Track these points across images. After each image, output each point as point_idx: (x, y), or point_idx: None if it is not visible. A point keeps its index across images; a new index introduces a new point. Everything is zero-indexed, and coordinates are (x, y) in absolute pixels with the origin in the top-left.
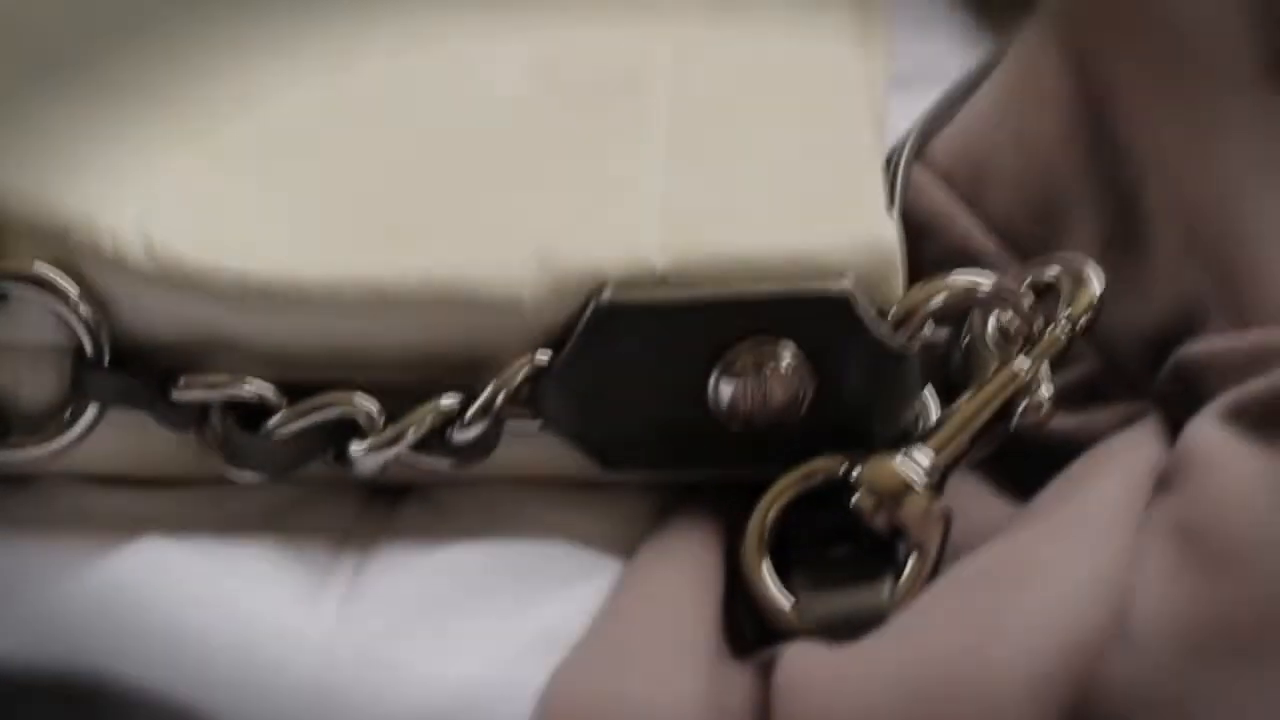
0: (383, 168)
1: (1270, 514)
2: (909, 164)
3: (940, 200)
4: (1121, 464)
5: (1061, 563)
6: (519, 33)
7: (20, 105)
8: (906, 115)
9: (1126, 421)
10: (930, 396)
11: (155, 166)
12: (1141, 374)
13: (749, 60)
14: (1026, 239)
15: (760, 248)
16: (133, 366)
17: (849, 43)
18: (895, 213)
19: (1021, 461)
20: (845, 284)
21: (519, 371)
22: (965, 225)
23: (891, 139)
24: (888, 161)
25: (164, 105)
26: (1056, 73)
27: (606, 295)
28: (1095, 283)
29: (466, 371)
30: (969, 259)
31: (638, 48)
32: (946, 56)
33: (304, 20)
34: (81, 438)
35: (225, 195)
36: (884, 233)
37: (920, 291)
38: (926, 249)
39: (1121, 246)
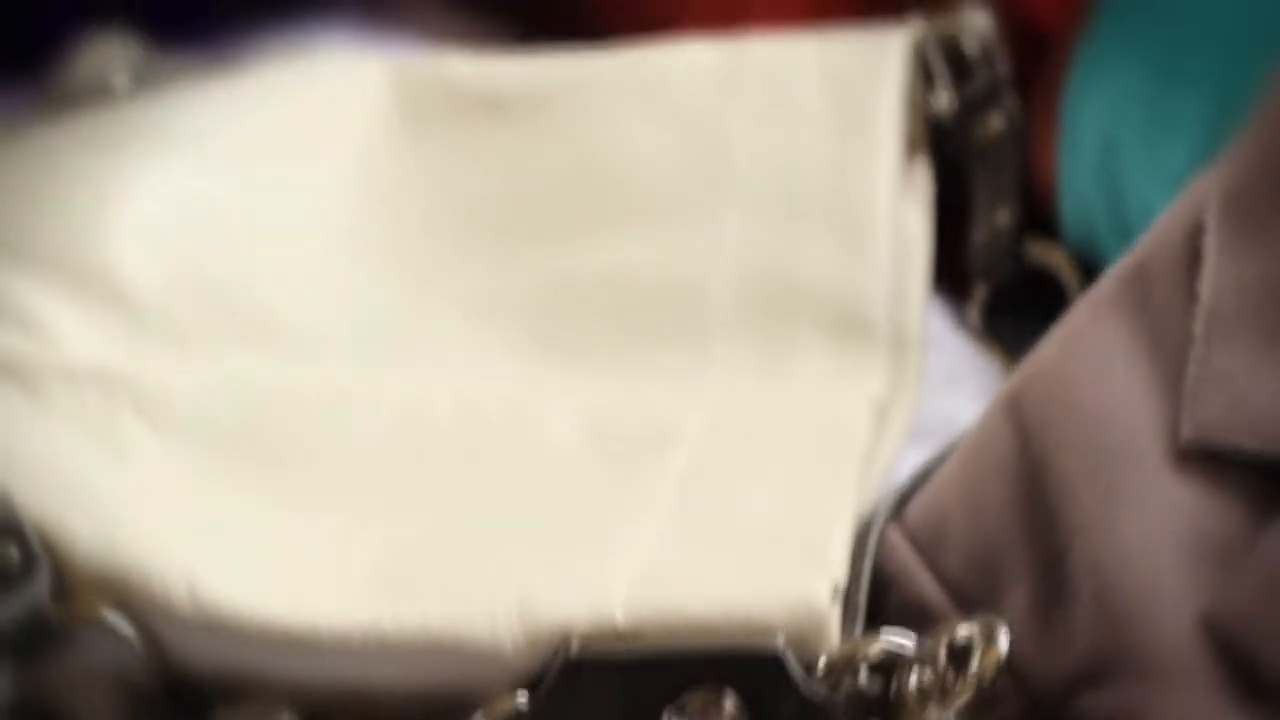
0: (405, 509)
1: None
2: (885, 523)
3: (904, 557)
4: None
5: None
6: (579, 385)
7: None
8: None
9: None
10: None
11: (202, 513)
12: None
13: (772, 422)
14: (972, 593)
15: (708, 607)
16: (180, 696)
17: (870, 408)
18: (865, 569)
19: None
20: (776, 642)
21: (498, 712)
22: (922, 581)
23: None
24: (869, 520)
25: (216, 449)
26: (1006, 441)
27: (573, 648)
28: (1002, 644)
29: (457, 708)
30: (922, 611)
31: (679, 405)
32: (967, 410)
33: (360, 369)
34: None
35: (262, 542)
36: (817, 595)
37: (848, 649)
38: (891, 599)
39: (1049, 603)
